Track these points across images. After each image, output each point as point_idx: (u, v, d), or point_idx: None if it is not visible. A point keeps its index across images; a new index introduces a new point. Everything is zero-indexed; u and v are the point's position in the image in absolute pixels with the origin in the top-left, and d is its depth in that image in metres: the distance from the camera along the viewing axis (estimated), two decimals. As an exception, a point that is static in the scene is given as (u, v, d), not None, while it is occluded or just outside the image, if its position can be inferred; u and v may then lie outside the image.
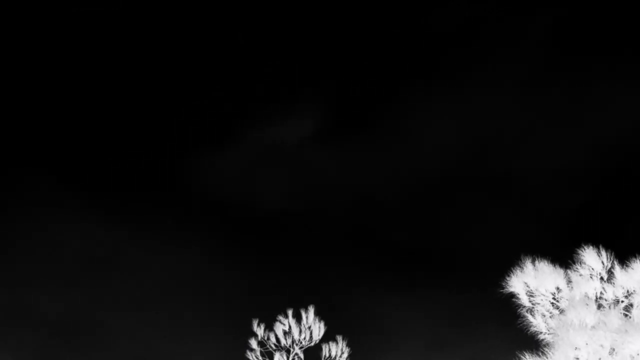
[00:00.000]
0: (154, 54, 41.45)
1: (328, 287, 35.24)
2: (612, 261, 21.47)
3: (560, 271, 21.67)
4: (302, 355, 27.10)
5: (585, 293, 21.10)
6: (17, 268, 36.45)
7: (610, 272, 21.39)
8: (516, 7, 40.33)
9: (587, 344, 19.53)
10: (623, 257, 21.46)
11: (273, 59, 41.68)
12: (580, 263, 21.56)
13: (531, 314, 21.65)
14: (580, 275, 21.45)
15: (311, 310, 27.28)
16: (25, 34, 40.67)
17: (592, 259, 21.53)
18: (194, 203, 40.22)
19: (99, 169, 40.30)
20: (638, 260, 21.16)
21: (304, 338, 27.09)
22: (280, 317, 27.36)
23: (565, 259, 21.79)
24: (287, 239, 38.98)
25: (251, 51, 41.56)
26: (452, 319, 33.68)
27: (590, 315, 20.10)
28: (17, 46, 40.52)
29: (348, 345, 27.03)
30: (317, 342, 27.16)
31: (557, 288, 21.53)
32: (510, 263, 21.98)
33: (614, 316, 19.92)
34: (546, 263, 21.76)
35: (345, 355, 26.90)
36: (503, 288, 21.82)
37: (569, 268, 21.67)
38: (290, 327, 27.15)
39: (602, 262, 21.47)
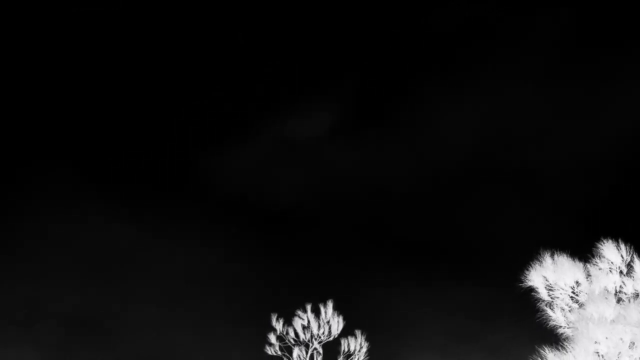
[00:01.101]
0: (164, 51, 41.62)
1: (346, 282, 35.29)
2: (632, 255, 21.41)
3: (579, 265, 21.63)
4: (320, 350, 27.16)
5: (605, 287, 21.04)
6: (35, 264, 36.75)
7: (629, 266, 21.33)
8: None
9: (607, 337, 19.50)
10: (643, 251, 21.43)
11: (284, 55, 41.77)
12: (600, 257, 21.51)
13: (550, 308, 21.63)
14: (600, 269, 21.40)
15: (330, 305, 27.31)
16: (28, 35, 40.94)
17: (611, 252, 21.47)
18: (209, 200, 40.40)
19: (115, 166, 40.56)
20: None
21: (323, 333, 27.14)
22: (299, 312, 27.41)
23: (584, 253, 21.76)
24: (304, 234, 39.07)
25: (256, 49, 41.68)
26: (470, 313, 33.64)
27: (609, 309, 20.06)
28: (26, 46, 40.82)
29: (367, 339, 27.09)
30: (336, 336, 27.21)
31: (576, 282, 21.50)
32: (529, 257, 21.99)
33: (634, 310, 19.87)
34: (565, 257, 21.74)
35: (364, 349, 26.93)
36: (522, 282, 21.82)
37: (588, 262, 21.63)
38: (309, 321, 27.19)
39: (622, 256, 21.40)
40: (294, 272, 36.25)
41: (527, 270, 21.82)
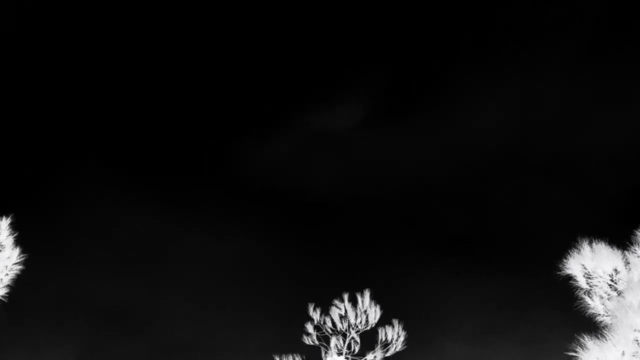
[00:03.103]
0: (197, 41, 41.80)
1: (383, 271, 35.40)
2: (671, 242, 21.24)
3: (617, 253, 21.52)
4: (358, 339, 27.29)
5: (644, 274, 20.94)
6: (68, 257, 37.20)
7: (669, 254, 21.17)
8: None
9: (646, 325, 19.41)
10: (682, 238, 21.21)
11: (317, 47, 41.80)
12: (638, 244, 21.36)
13: (589, 296, 21.56)
14: (638, 256, 21.25)
15: (367, 294, 27.43)
16: (68, 39, 41.34)
17: (650, 240, 21.33)
18: (243, 192, 40.66)
19: (147, 158, 40.94)
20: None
21: (360, 322, 27.27)
22: (336, 302, 27.58)
23: (622, 241, 21.64)
24: (340, 223, 39.22)
25: (289, 40, 41.70)
26: (508, 302, 33.56)
27: (649, 297, 19.95)
28: (62, 51, 41.22)
29: (404, 329, 27.18)
30: (373, 326, 27.32)
31: (615, 270, 21.40)
32: (567, 245, 21.93)
33: (674, 297, 19.74)
34: (603, 245, 21.64)
35: (401, 339, 27.02)
36: (560, 270, 21.78)
37: (627, 249, 21.50)
38: (346, 311, 27.35)
39: (661, 244, 21.26)
40: (331, 262, 36.45)
41: (565, 258, 21.79)
